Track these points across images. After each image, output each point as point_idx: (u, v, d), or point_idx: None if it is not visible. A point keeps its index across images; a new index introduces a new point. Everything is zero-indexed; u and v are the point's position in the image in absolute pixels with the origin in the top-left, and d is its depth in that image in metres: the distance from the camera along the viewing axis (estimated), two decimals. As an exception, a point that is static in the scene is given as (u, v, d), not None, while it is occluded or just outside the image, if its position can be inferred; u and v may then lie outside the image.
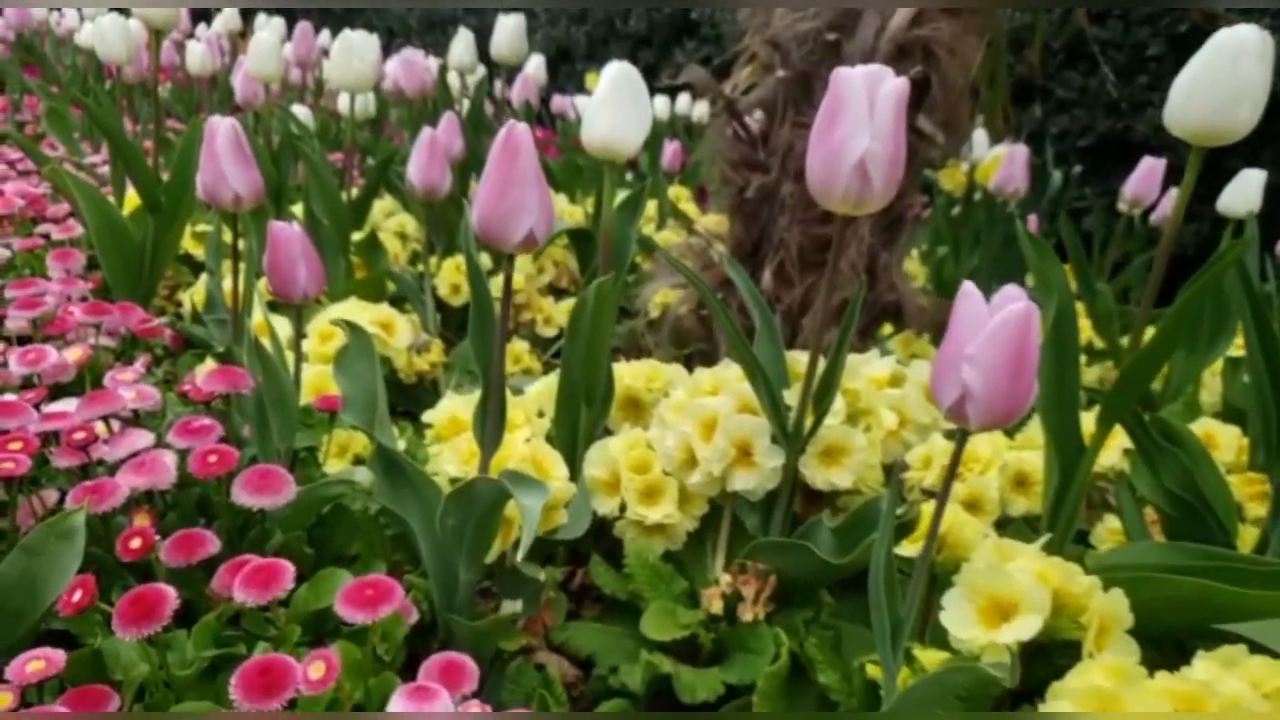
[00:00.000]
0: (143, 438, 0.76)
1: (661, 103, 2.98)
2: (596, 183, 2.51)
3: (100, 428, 0.77)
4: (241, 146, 0.87)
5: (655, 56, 4.41)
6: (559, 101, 3.56)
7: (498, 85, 2.65)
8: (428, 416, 0.83)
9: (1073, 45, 3.03)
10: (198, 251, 1.43)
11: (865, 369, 0.90)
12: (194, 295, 1.26)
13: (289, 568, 0.58)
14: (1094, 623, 0.57)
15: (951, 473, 0.53)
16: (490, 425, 0.68)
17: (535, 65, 2.34)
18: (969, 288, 0.51)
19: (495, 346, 0.66)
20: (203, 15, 4.26)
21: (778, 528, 0.80)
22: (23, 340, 1.10)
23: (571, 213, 2.10)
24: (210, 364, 0.98)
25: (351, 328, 0.75)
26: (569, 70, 4.65)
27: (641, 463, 0.82)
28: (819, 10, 1.20)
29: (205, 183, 0.87)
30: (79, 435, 0.68)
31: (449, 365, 1.36)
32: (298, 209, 1.61)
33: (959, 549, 0.69)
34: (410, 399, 1.30)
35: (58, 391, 0.98)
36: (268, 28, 3.41)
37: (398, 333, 1.17)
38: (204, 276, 1.23)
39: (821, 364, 0.76)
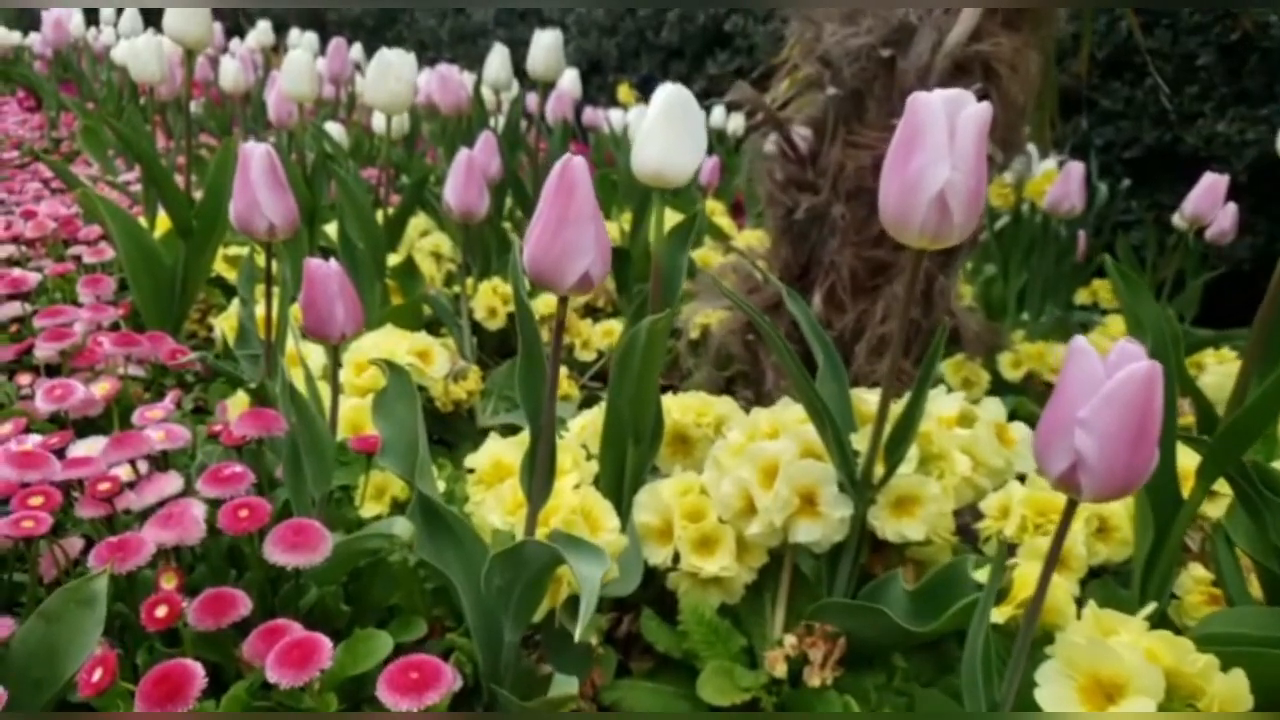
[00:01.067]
0: (171, 483, 0.72)
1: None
2: (633, 199, 2.46)
3: (127, 471, 0.74)
4: (276, 173, 0.83)
5: (687, 68, 4.37)
6: (590, 114, 3.52)
7: (529, 98, 2.61)
8: (470, 461, 0.78)
9: (1117, 55, 2.95)
10: (230, 274, 1.40)
11: (934, 407, 0.85)
12: (226, 322, 1.22)
13: (325, 645, 0.53)
14: (1213, 707, 0.52)
15: (1057, 545, 0.48)
16: (539, 476, 0.63)
17: (570, 80, 2.30)
18: (1082, 344, 0.45)
19: (545, 394, 0.61)
20: (236, 30, 4.28)
21: (844, 581, 0.75)
22: (51, 369, 1.07)
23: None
24: (242, 397, 0.94)
25: (391, 368, 0.71)
26: (600, 82, 4.62)
27: (695, 510, 0.77)
28: (872, 25, 1.15)
29: (238, 211, 0.83)
30: (104, 486, 0.64)
31: (486, 392, 1.32)
32: (331, 228, 1.58)
33: (1048, 614, 0.63)
34: (447, 427, 1.26)
35: (85, 425, 0.95)
36: (301, 44, 3.41)
37: (435, 361, 1.13)
38: (236, 302, 1.20)
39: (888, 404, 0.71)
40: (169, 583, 0.61)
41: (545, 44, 1.49)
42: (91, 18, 3.87)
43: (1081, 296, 2.21)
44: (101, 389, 0.88)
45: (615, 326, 1.52)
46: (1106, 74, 2.94)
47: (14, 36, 4.17)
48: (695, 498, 0.78)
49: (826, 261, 1.24)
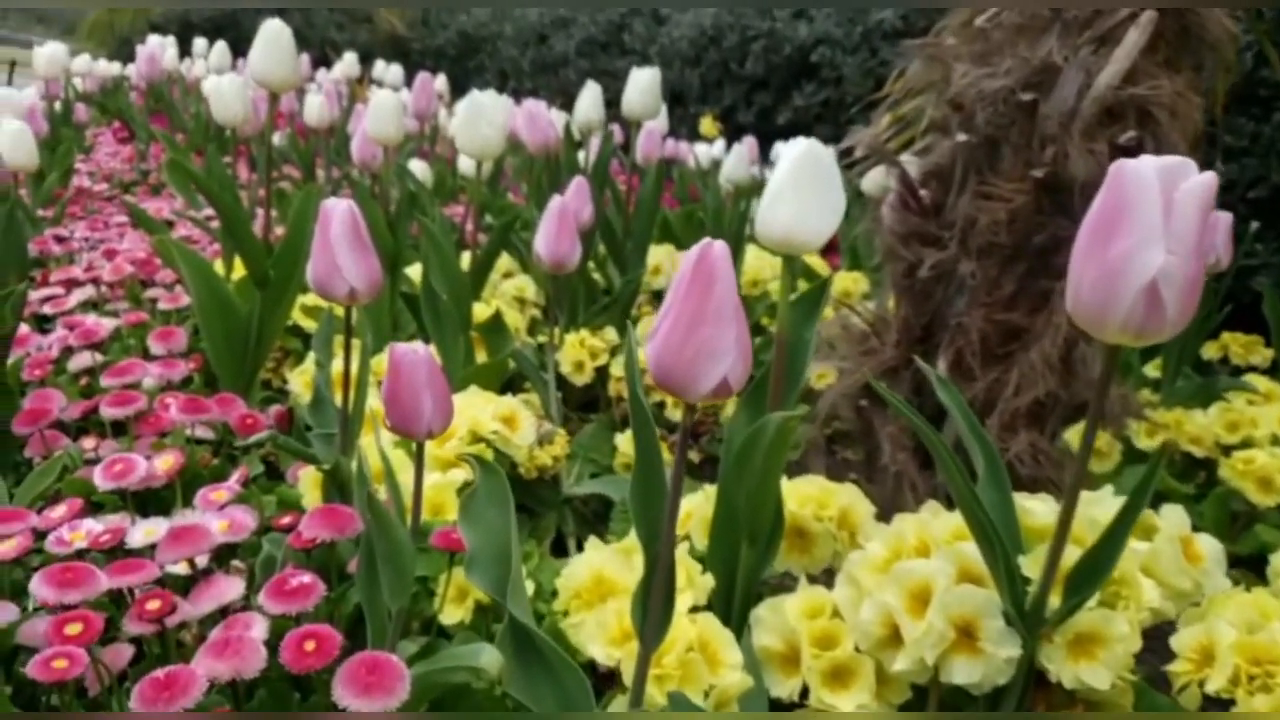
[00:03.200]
0: (231, 588, 0.64)
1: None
2: (718, 236, 2.37)
3: (183, 567, 0.66)
4: (359, 233, 0.75)
5: (772, 99, 4.27)
6: (672, 147, 3.44)
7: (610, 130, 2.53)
8: (565, 575, 0.68)
9: (1241, 88, 2.76)
10: (308, 324, 1.33)
11: (1098, 512, 0.72)
12: (301, 377, 1.15)
13: None
14: None
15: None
16: (653, 615, 0.53)
17: (659, 116, 2.22)
18: None
19: (665, 518, 0.51)
20: (323, 61, 4.32)
21: (1005, 730, 0.63)
22: (118, 427, 1.01)
23: (695, 272, 1.96)
24: (314, 476, 0.86)
25: (483, 467, 0.61)
26: (682, 113, 4.54)
27: (827, 636, 0.66)
28: (1011, 67, 1.03)
29: (317, 274, 0.76)
30: (153, 605, 0.56)
31: (571, 455, 1.23)
32: (413, 270, 1.51)
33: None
34: (529, 493, 1.17)
35: (147, 495, 0.89)
36: (386, 78, 3.41)
37: (521, 428, 1.04)
38: (310, 357, 1.13)
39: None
40: (221, 726, 0.52)
41: (642, 83, 1.40)
42: (185, 50, 3.94)
43: (1210, 351, 2.02)
44: (165, 464, 0.80)
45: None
46: (1230, 109, 2.75)
47: (114, 68, 4.26)
48: (826, 622, 0.66)
49: (952, 324, 1.12)
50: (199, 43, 3.85)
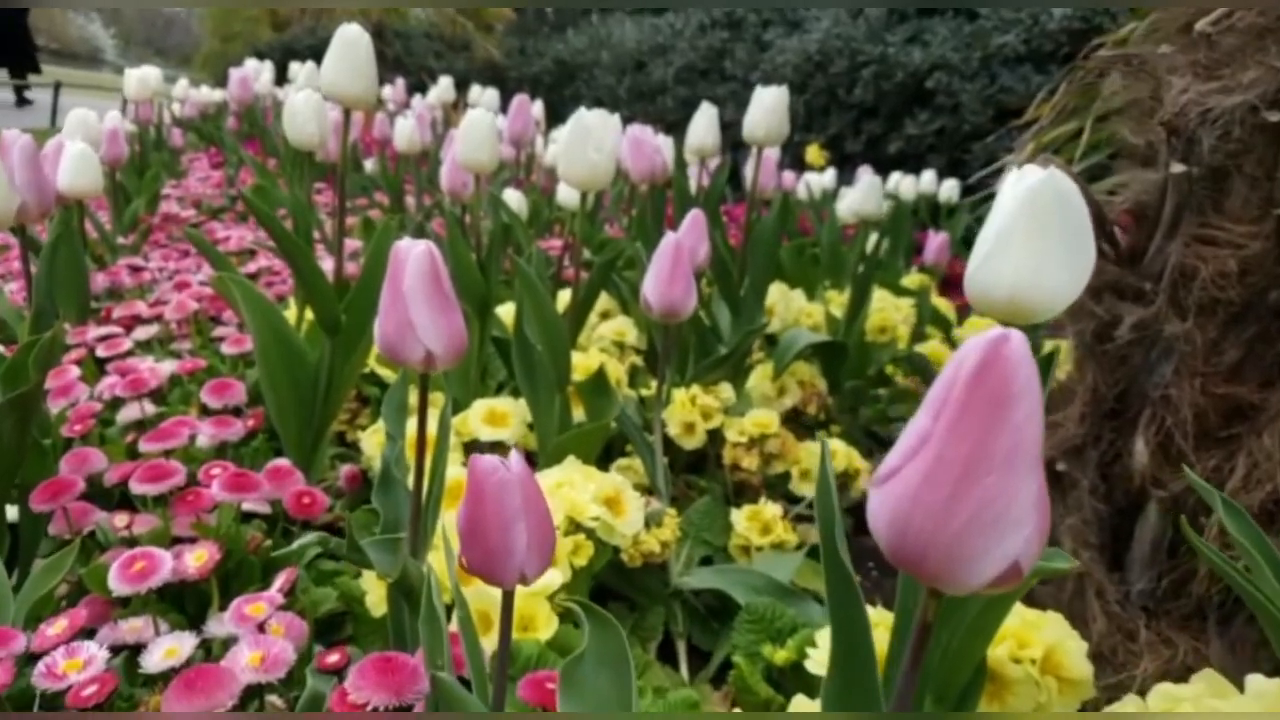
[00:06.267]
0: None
1: (907, 183, 2.61)
2: (834, 274, 2.17)
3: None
4: (439, 283, 0.59)
5: (882, 127, 4.06)
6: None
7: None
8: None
9: None
10: (387, 373, 1.18)
11: None
12: (374, 437, 1.00)
13: None
14: None
15: None
16: None
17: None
18: None
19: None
20: (419, 87, 4.27)
21: None
22: (161, 500, 0.87)
23: (810, 313, 1.76)
24: (378, 587, 0.70)
25: (591, 618, 0.44)
26: (784, 141, 4.36)
27: None
28: (1255, 78, 0.82)
29: (386, 334, 0.60)
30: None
31: (682, 535, 1.05)
32: (504, 310, 1.36)
33: None
34: (631, 583, 0.99)
35: (181, 592, 0.74)
36: (481, 102, 3.31)
37: (627, 512, 0.87)
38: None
39: None
40: None
41: (768, 103, 1.23)
42: (282, 75, 3.92)
43: None
44: (198, 559, 0.65)
45: (841, 448, 1.22)
46: None
47: (215, 94, 4.28)
48: None
49: (1155, 396, 0.91)
50: (295, 67, 3.83)
